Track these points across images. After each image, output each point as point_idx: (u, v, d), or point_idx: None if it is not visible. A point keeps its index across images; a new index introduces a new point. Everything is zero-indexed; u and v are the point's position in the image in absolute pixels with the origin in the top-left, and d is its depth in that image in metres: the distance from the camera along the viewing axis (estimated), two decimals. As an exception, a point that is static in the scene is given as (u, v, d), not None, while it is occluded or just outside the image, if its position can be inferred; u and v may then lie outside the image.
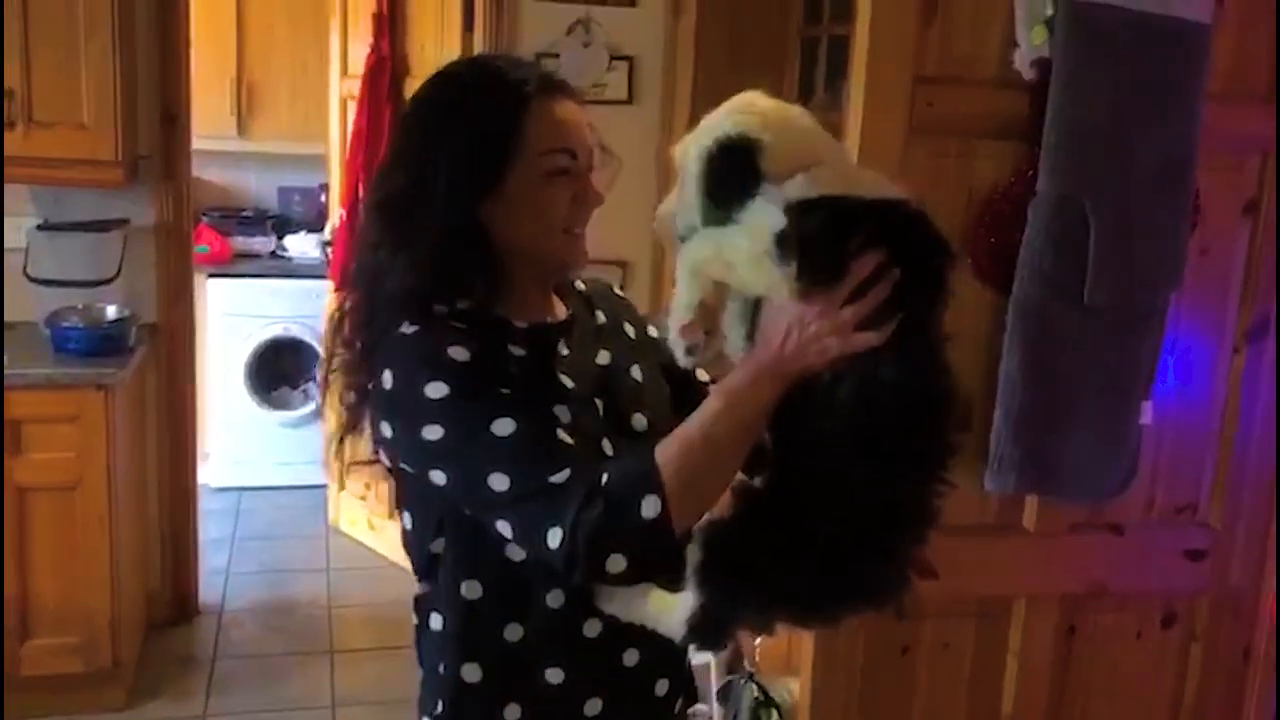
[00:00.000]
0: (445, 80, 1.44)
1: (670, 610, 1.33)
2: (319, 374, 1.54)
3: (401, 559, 4.67)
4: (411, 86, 4.11)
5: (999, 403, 2.04)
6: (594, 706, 1.45)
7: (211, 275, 4.90)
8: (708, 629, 1.33)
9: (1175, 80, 1.97)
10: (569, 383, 1.43)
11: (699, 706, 1.66)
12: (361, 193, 4.15)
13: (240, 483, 5.11)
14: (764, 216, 1.23)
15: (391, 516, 4.51)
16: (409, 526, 1.48)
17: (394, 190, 1.41)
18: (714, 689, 2.36)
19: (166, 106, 3.57)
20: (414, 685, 1.53)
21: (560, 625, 1.42)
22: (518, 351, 1.41)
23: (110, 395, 3.10)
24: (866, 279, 1.22)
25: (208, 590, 4.08)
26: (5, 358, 3.09)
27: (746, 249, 1.24)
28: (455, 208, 1.37)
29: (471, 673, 1.43)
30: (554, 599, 1.40)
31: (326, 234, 4.91)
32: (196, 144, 3.80)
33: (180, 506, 3.86)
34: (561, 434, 1.32)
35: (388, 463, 1.44)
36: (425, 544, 1.45)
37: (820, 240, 1.22)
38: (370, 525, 4.62)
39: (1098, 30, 1.94)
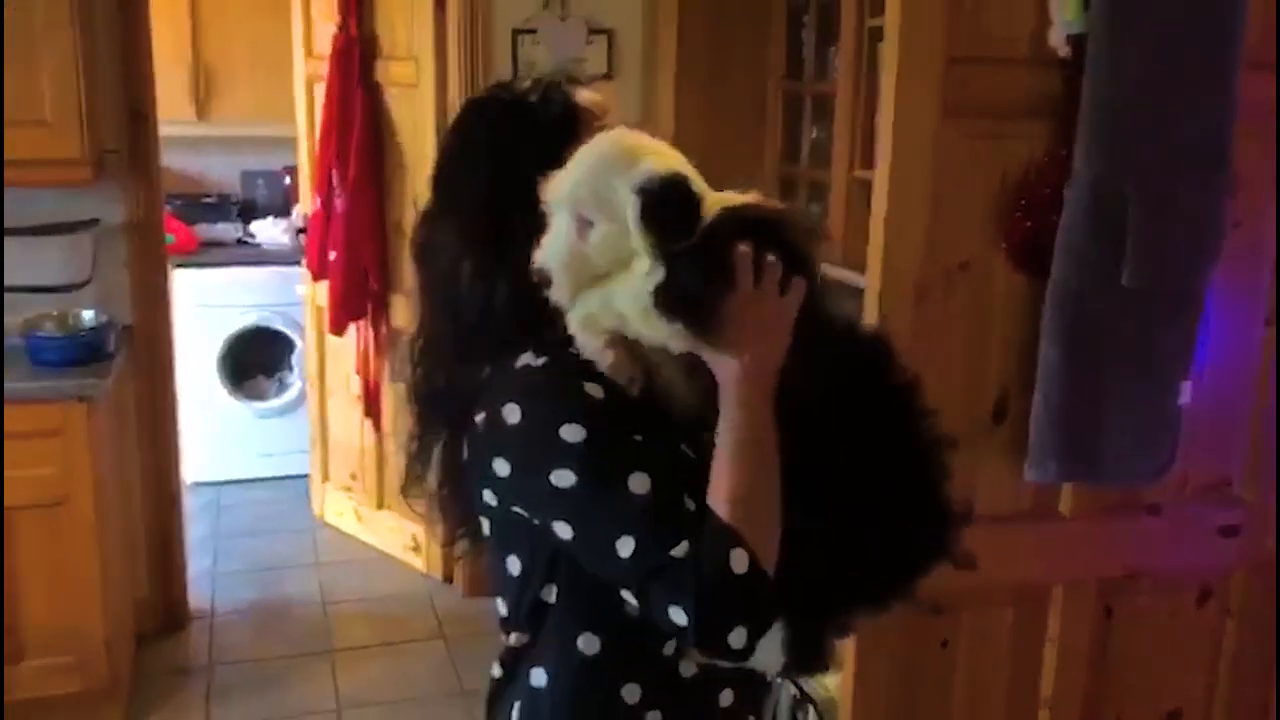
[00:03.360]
0: (488, 99, 1.37)
1: (762, 646, 1.25)
2: (411, 399, 1.39)
3: (392, 549, 4.56)
4: (383, 68, 3.98)
5: (1038, 390, 1.99)
6: None
7: (179, 266, 4.72)
8: (805, 653, 1.28)
9: (1213, 52, 1.91)
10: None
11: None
12: (335, 179, 4.02)
13: (219, 477, 4.99)
14: (641, 268, 1.16)
15: (381, 508, 4.42)
16: (514, 572, 1.33)
17: (474, 190, 1.29)
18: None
19: (132, 99, 3.41)
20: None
21: (664, 670, 1.33)
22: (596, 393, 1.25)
23: (93, 406, 2.97)
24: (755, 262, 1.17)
25: (196, 594, 3.95)
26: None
27: (632, 306, 1.18)
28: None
29: None
30: (669, 648, 1.31)
31: (297, 219, 4.76)
32: (158, 132, 3.63)
33: (165, 512, 3.73)
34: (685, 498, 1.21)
35: (492, 501, 1.30)
36: (532, 590, 1.31)
37: (698, 285, 1.15)
38: (358, 517, 4.52)
39: (1132, 3, 1.88)
